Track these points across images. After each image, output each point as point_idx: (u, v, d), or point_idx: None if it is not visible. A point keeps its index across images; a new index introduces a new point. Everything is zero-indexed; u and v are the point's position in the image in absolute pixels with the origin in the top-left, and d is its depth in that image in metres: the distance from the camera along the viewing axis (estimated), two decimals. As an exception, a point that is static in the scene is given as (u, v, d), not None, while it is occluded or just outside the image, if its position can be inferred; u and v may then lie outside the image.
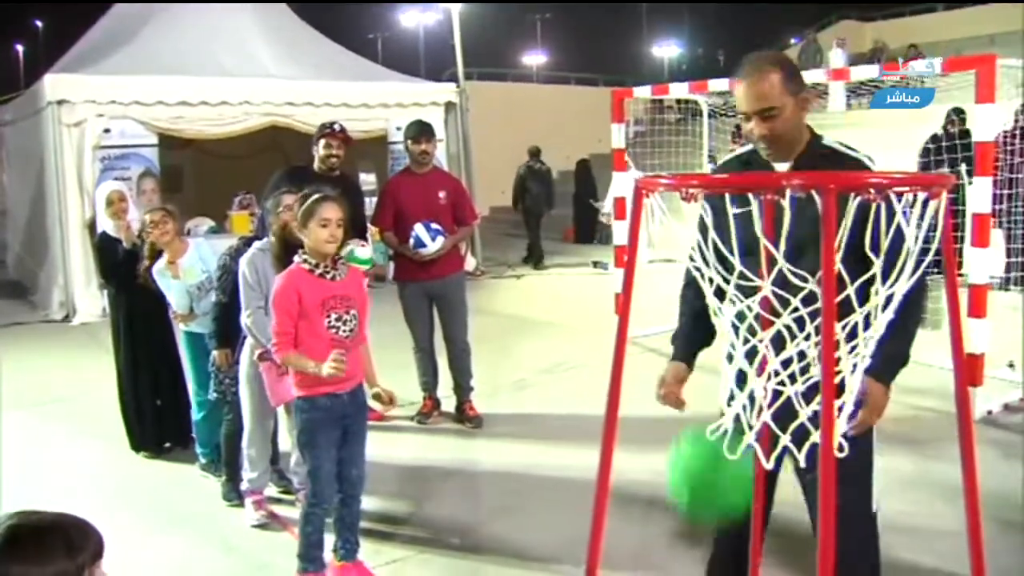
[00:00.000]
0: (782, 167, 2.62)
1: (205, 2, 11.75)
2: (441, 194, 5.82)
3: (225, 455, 4.68)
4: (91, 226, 10.12)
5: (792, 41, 29.34)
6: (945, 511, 4.15)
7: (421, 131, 5.81)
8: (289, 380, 3.82)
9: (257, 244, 4.24)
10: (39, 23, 49.65)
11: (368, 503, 4.57)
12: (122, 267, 5.26)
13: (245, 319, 4.16)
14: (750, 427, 2.02)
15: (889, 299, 1.88)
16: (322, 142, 5.59)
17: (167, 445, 5.46)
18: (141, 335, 5.37)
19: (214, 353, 4.55)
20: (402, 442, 5.65)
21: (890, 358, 2.44)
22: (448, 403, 6.09)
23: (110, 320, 5.58)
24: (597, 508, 2.53)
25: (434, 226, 5.56)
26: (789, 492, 2.84)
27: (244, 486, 4.51)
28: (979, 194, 5.56)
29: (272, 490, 4.69)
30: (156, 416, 5.43)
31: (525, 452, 5.35)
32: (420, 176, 5.83)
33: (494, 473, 5.06)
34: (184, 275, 4.89)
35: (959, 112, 9.21)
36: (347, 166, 7.23)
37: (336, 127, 5.64)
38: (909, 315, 2.36)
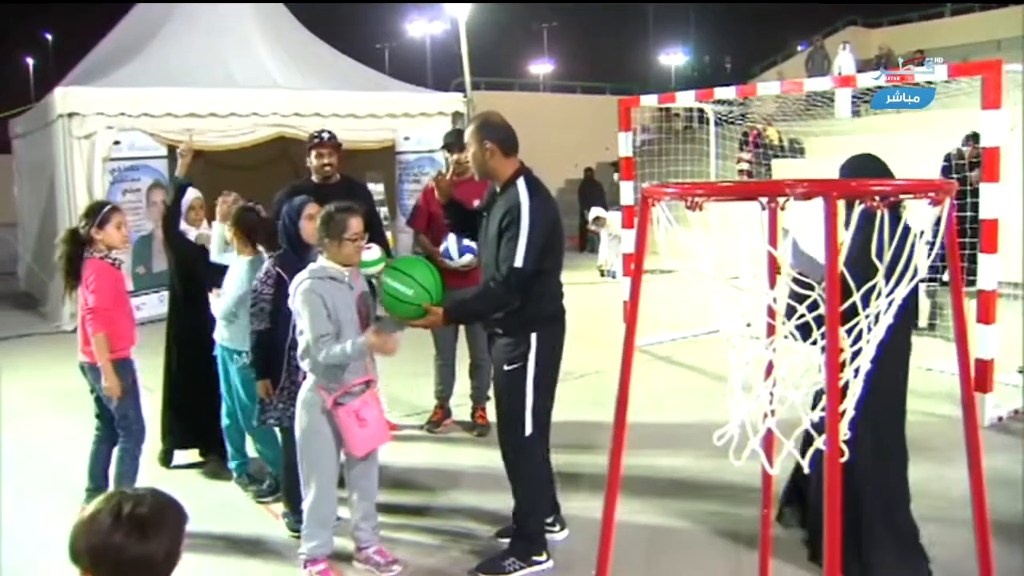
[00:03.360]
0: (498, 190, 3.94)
1: (212, 2, 11.81)
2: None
3: (285, 483, 4.41)
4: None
5: (799, 48, 29.40)
6: (954, 518, 4.14)
7: (454, 141, 5.84)
8: (377, 421, 3.80)
9: (308, 272, 3.83)
10: (48, 36, 49.99)
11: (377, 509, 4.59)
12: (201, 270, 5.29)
13: (318, 357, 3.72)
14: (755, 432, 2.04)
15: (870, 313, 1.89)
16: (313, 153, 5.59)
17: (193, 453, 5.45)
18: (196, 346, 5.24)
19: (258, 384, 4.31)
20: (412, 450, 5.67)
21: (456, 304, 3.92)
22: (460, 411, 6.14)
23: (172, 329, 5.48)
24: (606, 513, 2.54)
25: (467, 242, 5.52)
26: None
27: (303, 552, 3.96)
28: (988, 200, 5.56)
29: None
30: (193, 426, 5.37)
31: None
32: (459, 183, 5.85)
33: (503, 479, 5.06)
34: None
35: (976, 138, 9.02)
36: (354, 174, 7.24)
37: (324, 136, 5.63)
38: (485, 293, 3.83)
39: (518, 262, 3.67)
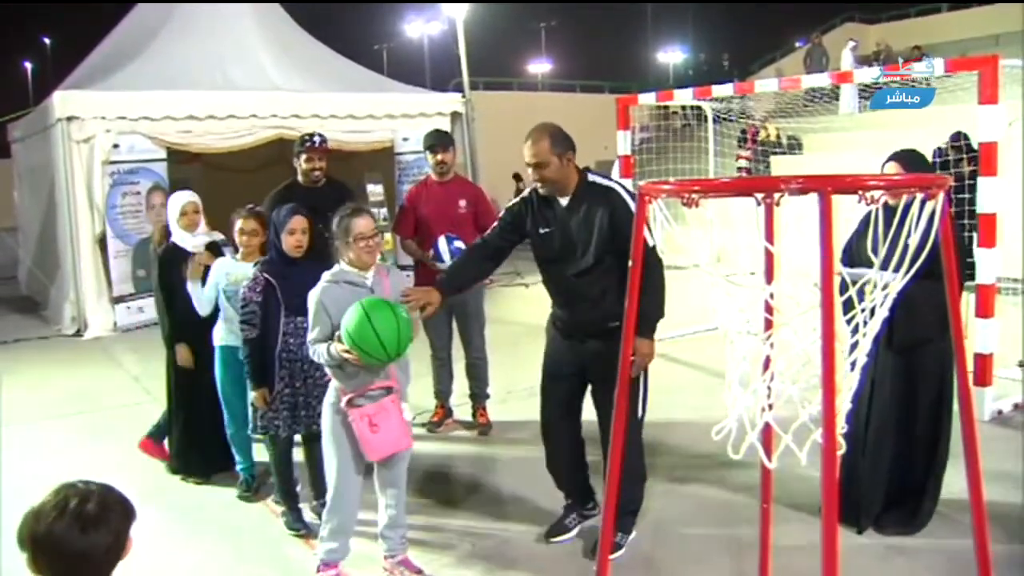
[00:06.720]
0: (564, 200, 3.94)
1: (210, 2, 11.84)
2: (461, 203, 5.82)
3: (279, 483, 4.49)
4: (101, 241, 10.19)
5: (797, 44, 29.40)
6: (953, 511, 4.15)
7: (437, 141, 5.87)
8: (392, 428, 3.64)
9: (327, 275, 3.77)
10: (47, 40, 50.01)
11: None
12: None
13: (310, 353, 3.78)
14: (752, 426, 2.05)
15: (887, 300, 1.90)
16: (303, 157, 5.56)
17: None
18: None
19: (252, 393, 4.25)
20: (416, 450, 5.66)
21: (644, 318, 3.63)
22: (461, 410, 6.14)
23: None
24: (607, 510, 2.55)
25: (456, 244, 5.46)
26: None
27: (317, 554, 3.91)
28: (985, 194, 5.57)
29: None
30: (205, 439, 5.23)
31: (537, 457, 5.36)
32: (440, 185, 5.86)
33: (505, 478, 5.08)
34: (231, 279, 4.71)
35: (963, 138, 8.92)
36: (353, 175, 7.26)
37: (316, 140, 5.58)
38: (649, 287, 3.48)
39: (650, 242, 3.73)
